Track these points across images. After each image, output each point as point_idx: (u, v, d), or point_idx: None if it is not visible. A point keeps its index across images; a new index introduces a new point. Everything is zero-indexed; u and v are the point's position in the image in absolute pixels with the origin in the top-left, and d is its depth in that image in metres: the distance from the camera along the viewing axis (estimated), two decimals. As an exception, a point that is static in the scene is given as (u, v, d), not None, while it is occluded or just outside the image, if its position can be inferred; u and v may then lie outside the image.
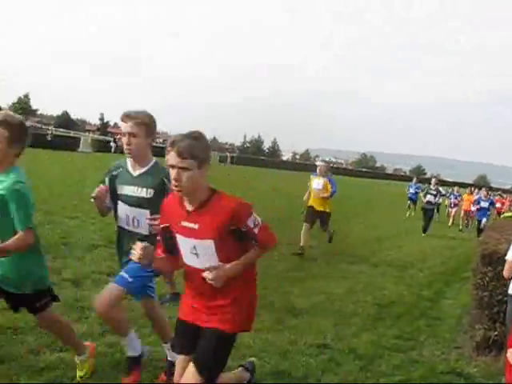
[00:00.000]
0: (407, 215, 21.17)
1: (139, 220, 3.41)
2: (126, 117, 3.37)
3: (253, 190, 20.89)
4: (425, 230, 15.61)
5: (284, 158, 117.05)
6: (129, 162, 3.52)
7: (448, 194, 21.95)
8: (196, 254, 2.74)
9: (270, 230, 2.83)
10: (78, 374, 3.53)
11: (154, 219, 3.17)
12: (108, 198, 3.51)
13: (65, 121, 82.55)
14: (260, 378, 3.91)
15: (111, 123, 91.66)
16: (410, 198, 21.74)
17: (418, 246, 12.97)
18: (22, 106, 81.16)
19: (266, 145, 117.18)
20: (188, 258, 2.79)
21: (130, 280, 3.36)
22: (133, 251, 2.71)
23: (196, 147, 2.60)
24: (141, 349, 3.61)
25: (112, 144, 44.00)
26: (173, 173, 2.62)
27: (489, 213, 17.47)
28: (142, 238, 3.18)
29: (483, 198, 17.84)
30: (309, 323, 5.45)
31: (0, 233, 3.10)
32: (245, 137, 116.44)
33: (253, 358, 3.66)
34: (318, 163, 10.39)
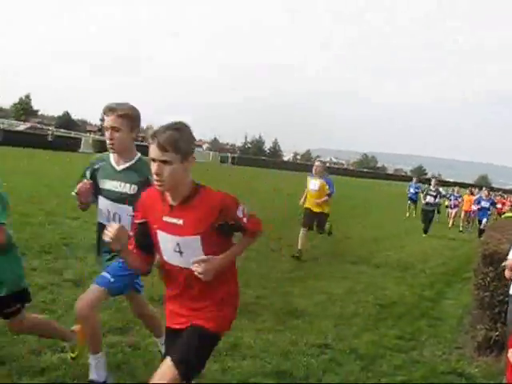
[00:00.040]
0: (407, 215, 21.15)
1: (121, 216, 3.27)
2: (109, 110, 3.23)
3: (254, 190, 20.89)
4: (426, 231, 15.60)
5: (285, 159, 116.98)
6: (112, 156, 3.39)
7: (448, 195, 21.88)
8: (180, 252, 2.57)
9: (257, 216, 2.74)
10: (70, 355, 3.52)
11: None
12: (91, 193, 3.35)
13: (66, 121, 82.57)
14: (261, 379, 3.92)
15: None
16: (410, 198, 21.70)
17: (419, 247, 12.96)
18: (24, 106, 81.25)
19: (267, 145, 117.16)
20: (170, 257, 2.61)
21: (112, 280, 3.24)
22: (106, 231, 2.49)
23: (178, 139, 2.44)
24: (105, 376, 3.38)
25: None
26: (153, 166, 2.46)
27: (489, 212, 17.45)
28: None
29: (484, 197, 17.82)
30: (310, 323, 5.45)
31: None
32: (246, 137, 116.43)
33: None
34: (316, 163, 9.93)
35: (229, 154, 68.05)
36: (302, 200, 9.73)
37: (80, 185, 3.30)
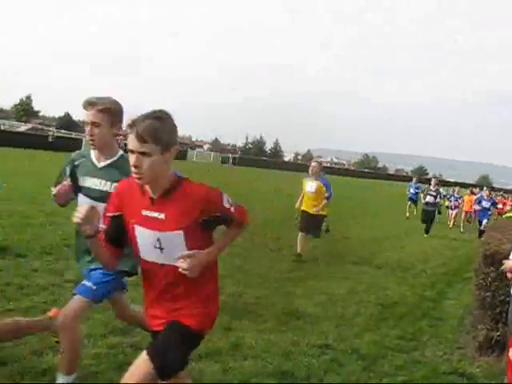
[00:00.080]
0: (407, 215, 21.10)
1: (101, 215, 3.12)
2: (88, 104, 3.07)
3: (255, 190, 20.89)
4: (427, 231, 15.58)
5: (286, 159, 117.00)
6: (93, 153, 3.24)
7: (448, 196, 21.81)
8: (160, 248, 2.40)
9: (242, 205, 2.62)
10: (54, 340, 3.48)
11: None
12: (70, 194, 3.23)
13: (66, 122, 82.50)
14: (262, 379, 3.92)
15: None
16: (411, 199, 21.59)
17: (420, 247, 12.96)
18: (24, 107, 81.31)
19: (268, 146, 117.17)
20: (148, 253, 2.44)
21: (94, 288, 3.08)
22: (76, 212, 2.33)
23: (159, 129, 2.27)
24: None
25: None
26: (132, 158, 2.30)
27: (489, 213, 17.41)
28: None
29: (485, 197, 17.78)
30: (311, 324, 5.45)
31: None
32: (247, 138, 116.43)
33: None
34: (312, 164, 9.50)
35: (230, 155, 68.06)
36: (298, 203, 9.36)
37: (59, 187, 3.21)
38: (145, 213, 2.40)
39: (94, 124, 3.07)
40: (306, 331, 5.17)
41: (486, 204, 17.37)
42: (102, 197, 3.04)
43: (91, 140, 3.11)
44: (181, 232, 2.37)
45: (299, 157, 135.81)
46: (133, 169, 2.31)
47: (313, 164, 9.44)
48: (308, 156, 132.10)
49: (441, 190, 17.18)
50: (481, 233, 15.33)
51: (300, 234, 9.09)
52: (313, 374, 4.17)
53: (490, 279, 5.02)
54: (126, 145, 2.41)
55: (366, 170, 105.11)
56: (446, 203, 21.50)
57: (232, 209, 2.50)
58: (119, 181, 2.86)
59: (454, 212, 20.22)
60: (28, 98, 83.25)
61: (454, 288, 8.38)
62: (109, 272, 3.06)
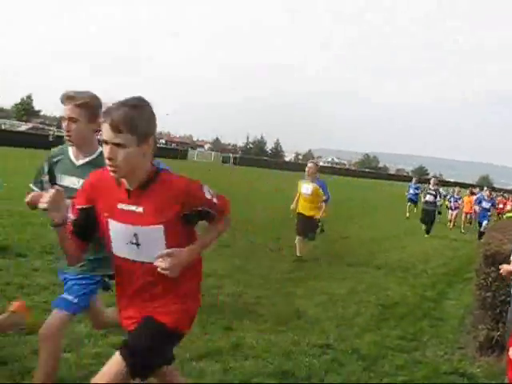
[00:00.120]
0: (408, 215, 21.05)
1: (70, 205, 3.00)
2: (66, 98, 2.90)
3: (255, 190, 20.89)
4: (428, 232, 15.57)
5: (287, 159, 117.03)
6: (71, 150, 3.06)
7: (448, 196, 21.70)
8: (136, 244, 2.25)
9: (223, 195, 2.47)
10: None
11: None
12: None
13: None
14: (263, 379, 3.92)
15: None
16: (410, 199, 21.42)
17: (420, 247, 12.95)
18: (25, 107, 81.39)
19: (269, 145, 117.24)
20: (123, 249, 2.29)
21: (76, 301, 2.93)
22: (42, 198, 2.20)
23: (135, 118, 2.10)
24: None
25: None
26: (105, 149, 2.14)
27: (489, 213, 17.37)
28: None
29: (486, 198, 17.74)
30: (311, 324, 5.45)
31: None
32: (247, 138, 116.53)
33: None
34: (309, 164, 9.26)
35: (231, 155, 68.11)
36: (294, 204, 9.15)
37: (29, 196, 3.02)
38: (120, 206, 2.24)
39: (71, 119, 2.91)
40: (307, 331, 5.16)
41: (485, 204, 17.33)
42: None
43: (68, 136, 2.95)
44: (161, 226, 2.22)
45: (300, 157, 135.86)
46: (107, 161, 2.15)
47: (309, 165, 9.20)
48: (309, 156, 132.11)
49: (440, 189, 17.15)
50: (481, 234, 15.30)
51: (297, 237, 8.98)
52: (313, 374, 4.16)
53: (490, 279, 5.01)
54: None
55: (366, 170, 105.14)
56: (446, 203, 21.46)
57: (214, 199, 2.36)
58: None
59: (454, 213, 20.17)
60: (29, 97, 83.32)
61: (455, 288, 8.37)
62: (88, 281, 2.96)
